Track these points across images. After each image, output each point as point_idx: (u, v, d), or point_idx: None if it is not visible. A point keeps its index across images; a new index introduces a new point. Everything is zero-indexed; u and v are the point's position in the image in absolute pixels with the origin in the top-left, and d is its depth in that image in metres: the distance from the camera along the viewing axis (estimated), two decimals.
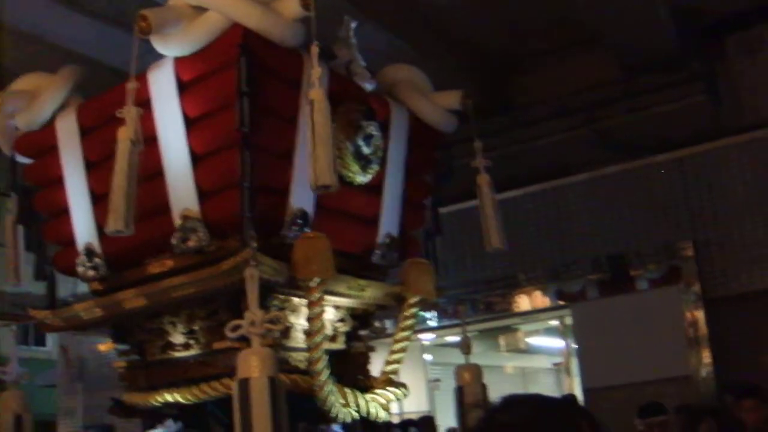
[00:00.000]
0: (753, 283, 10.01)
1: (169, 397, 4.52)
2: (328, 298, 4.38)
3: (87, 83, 5.13)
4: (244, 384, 3.69)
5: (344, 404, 4.31)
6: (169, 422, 5.07)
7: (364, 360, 4.89)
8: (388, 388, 4.63)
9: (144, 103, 4.19)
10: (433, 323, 11.50)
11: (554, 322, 11.90)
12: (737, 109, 10.46)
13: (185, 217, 4.29)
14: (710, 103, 10.42)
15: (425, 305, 4.80)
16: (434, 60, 9.17)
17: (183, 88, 4.34)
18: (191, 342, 4.62)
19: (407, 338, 4.73)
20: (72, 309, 4.90)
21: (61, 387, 13.46)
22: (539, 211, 11.08)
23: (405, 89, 5.18)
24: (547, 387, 14.58)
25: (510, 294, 11.30)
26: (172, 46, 4.30)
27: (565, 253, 10.92)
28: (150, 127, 4.22)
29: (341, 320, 4.80)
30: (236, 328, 3.76)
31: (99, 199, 4.60)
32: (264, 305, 3.98)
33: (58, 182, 4.91)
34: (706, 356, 10.06)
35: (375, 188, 4.81)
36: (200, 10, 4.24)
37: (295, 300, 4.41)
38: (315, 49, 3.86)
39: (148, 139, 4.09)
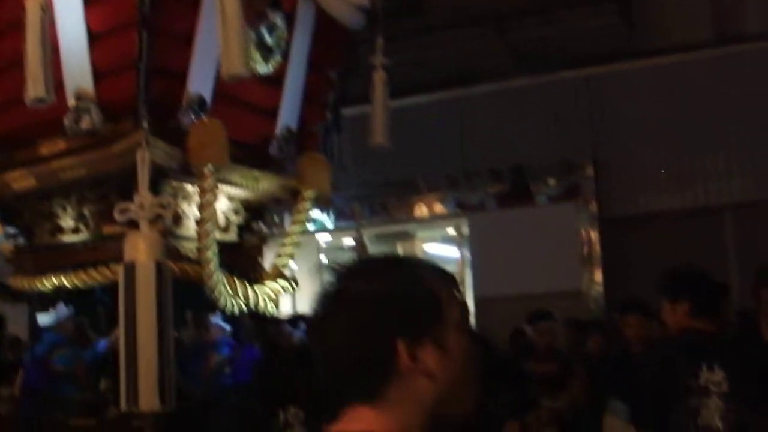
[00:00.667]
0: (649, 205, 10.21)
1: (56, 282, 4.45)
2: (221, 187, 4.33)
3: None
4: (130, 268, 3.65)
5: (233, 294, 4.29)
6: (60, 307, 5.01)
7: (256, 253, 4.87)
8: (278, 280, 4.62)
9: None
10: (330, 225, 11.49)
11: (451, 231, 11.98)
12: (649, 32, 10.52)
13: (79, 97, 4.17)
14: (623, 24, 10.47)
15: (320, 201, 4.78)
16: None
17: None
18: (81, 226, 4.55)
19: (300, 232, 4.71)
20: None
21: None
22: (443, 119, 11.05)
23: None
24: None
25: (408, 199, 11.33)
26: None
27: (466, 163, 10.95)
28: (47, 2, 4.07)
29: (235, 211, 4.76)
30: (125, 210, 3.71)
31: None
32: (156, 191, 3.92)
33: None
34: (598, 274, 10.29)
35: (276, 80, 4.73)
36: None
37: (189, 188, 4.35)
38: None
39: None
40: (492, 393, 5.97)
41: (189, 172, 4.13)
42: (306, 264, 7.83)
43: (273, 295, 4.54)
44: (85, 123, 4.18)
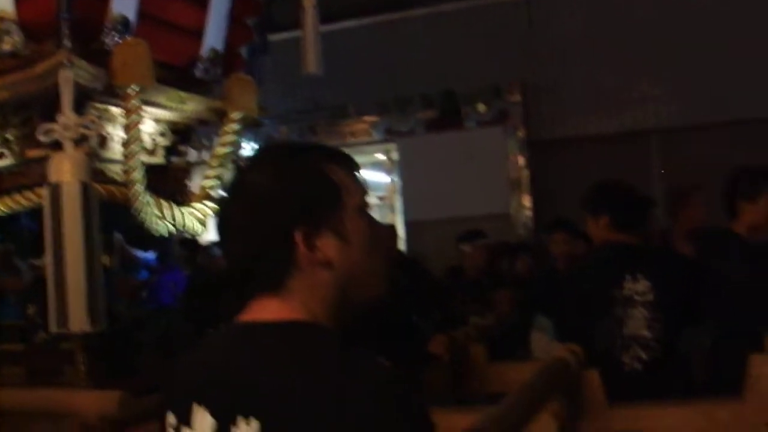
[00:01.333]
0: (577, 128, 10.33)
1: None
2: (147, 109, 4.28)
3: None
4: (56, 188, 3.62)
5: (160, 216, 4.27)
6: None
7: (183, 175, 4.84)
8: (205, 201, 4.61)
9: None
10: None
11: (381, 157, 12.01)
12: None
13: (0, 18, 4.09)
14: None
15: (248, 122, 4.76)
16: None
17: None
18: (4, 151, 4.46)
19: (227, 154, 4.69)
20: None
21: None
22: (373, 44, 11.03)
23: None
24: None
25: (338, 124, 11.35)
26: None
27: (396, 88, 10.96)
28: None
29: (161, 134, 4.72)
30: (49, 131, 3.66)
31: None
32: (80, 113, 3.88)
33: None
34: (527, 199, 10.42)
35: (201, 0, 4.68)
36: None
37: (113, 110, 4.30)
38: None
39: None
40: (422, 312, 6.09)
41: (114, 94, 4.08)
42: None
43: (201, 216, 4.54)
44: (6, 44, 4.11)
